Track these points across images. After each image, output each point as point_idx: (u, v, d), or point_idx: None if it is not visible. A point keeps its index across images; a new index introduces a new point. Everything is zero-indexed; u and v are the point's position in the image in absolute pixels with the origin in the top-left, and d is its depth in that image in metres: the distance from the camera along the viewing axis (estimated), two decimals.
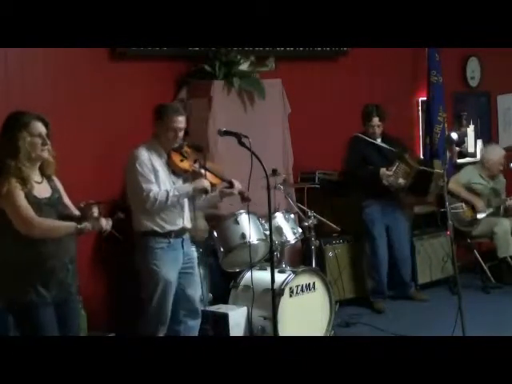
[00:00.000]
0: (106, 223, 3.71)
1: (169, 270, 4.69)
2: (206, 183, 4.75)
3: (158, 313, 4.72)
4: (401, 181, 6.29)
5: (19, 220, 3.57)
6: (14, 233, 3.60)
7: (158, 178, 4.65)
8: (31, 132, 3.65)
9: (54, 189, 3.79)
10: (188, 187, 4.73)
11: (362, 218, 6.47)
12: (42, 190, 3.71)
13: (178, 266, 4.75)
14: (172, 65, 5.93)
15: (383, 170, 6.25)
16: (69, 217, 3.72)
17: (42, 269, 3.64)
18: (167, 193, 4.62)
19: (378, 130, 6.46)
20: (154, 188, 4.61)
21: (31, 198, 3.61)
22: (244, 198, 4.91)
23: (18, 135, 3.62)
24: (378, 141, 6.47)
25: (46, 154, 3.71)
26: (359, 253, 6.66)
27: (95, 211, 3.69)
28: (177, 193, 4.66)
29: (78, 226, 3.64)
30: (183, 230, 4.79)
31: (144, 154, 4.66)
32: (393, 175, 6.27)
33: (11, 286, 3.65)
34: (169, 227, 4.70)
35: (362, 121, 6.48)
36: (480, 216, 7.02)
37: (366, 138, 6.45)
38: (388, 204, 6.47)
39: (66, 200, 3.86)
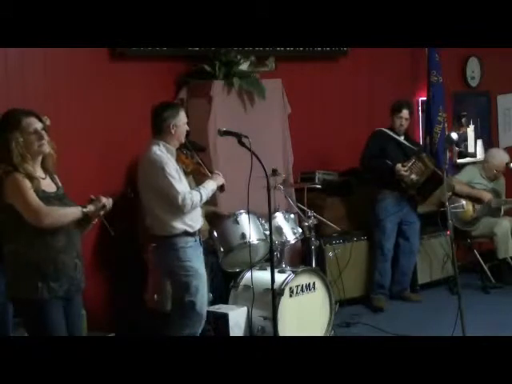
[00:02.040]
0: (106, 200, 3.77)
1: (201, 266, 4.75)
2: (222, 180, 4.82)
3: (202, 310, 4.75)
4: (413, 177, 6.33)
5: (29, 210, 3.56)
6: (25, 229, 3.59)
7: (181, 179, 4.67)
8: (25, 130, 3.60)
9: (58, 185, 3.80)
10: (213, 185, 4.78)
11: (374, 211, 6.50)
12: (48, 185, 3.72)
13: (203, 262, 4.81)
14: (172, 65, 5.93)
15: (398, 165, 6.30)
16: None
17: (53, 264, 3.63)
18: (200, 193, 4.65)
19: (406, 124, 6.53)
20: (186, 189, 4.62)
21: (40, 193, 3.61)
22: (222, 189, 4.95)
23: (9, 137, 3.57)
24: (401, 138, 6.52)
25: (46, 149, 3.67)
26: (359, 252, 6.67)
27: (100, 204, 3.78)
28: (206, 192, 4.70)
29: (84, 210, 3.70)
30: (200, 228, 4.85)
31: (164, 156, 4.63)
32: (407, 170, 6.30)
33: (22, 282, 3.64)
34: (196, 226, 4.74)
35: (391, 114, 6.53)
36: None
37: (389, 132, 6.51)
38: (402, 199, 6.50)
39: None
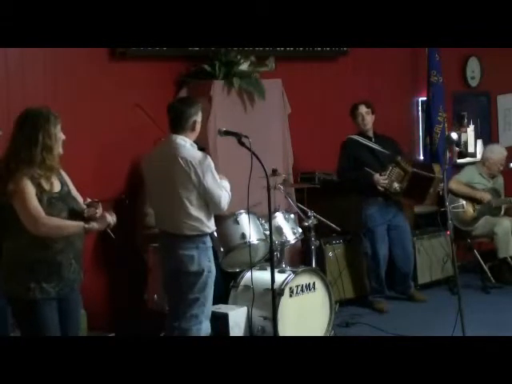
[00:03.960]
0: (111, 218, 3.79)
1: None
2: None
3: (210, 311, 4.69)
4: (396, 185, 6.27)
5: (28, 217, 3.57)
6: (25, 229, 3.60)
7: None
8: (55, 123, 3.68)
9: (63, 182, 3.80)
10: (227, 184, 4.68)
11: (362, 219, 6.45)
12: (53, 185, 3.72)
13: None
14: (172, 65, 5.93)
15: (377, 176, 6.23)
16: (77, 212, 3.75)
17: (48, 265, 3.64)
18: (228, 193, 4.59)
19: (368, 119, 6.41)
20: None
21: (45, 193, 3.62)
22: None
23: (52, 130, 3.64)
24: (372, 141, 6.44)
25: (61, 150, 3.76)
26: (359, 253, 6.66)
27: (99, 211, 3.77)
28: (228, 191, 4.64)
29: (86, 226, 3.70)
30: None
31: (205, 154, 4.56)
32: (387, 180, 6.25)
33: (16, 282, 3.65)
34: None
35: (352, 117, 6.47)
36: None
37: (359, 139, 6.42)
38: (387, 204, 6.44)
39: (75, 192, 3.87)
